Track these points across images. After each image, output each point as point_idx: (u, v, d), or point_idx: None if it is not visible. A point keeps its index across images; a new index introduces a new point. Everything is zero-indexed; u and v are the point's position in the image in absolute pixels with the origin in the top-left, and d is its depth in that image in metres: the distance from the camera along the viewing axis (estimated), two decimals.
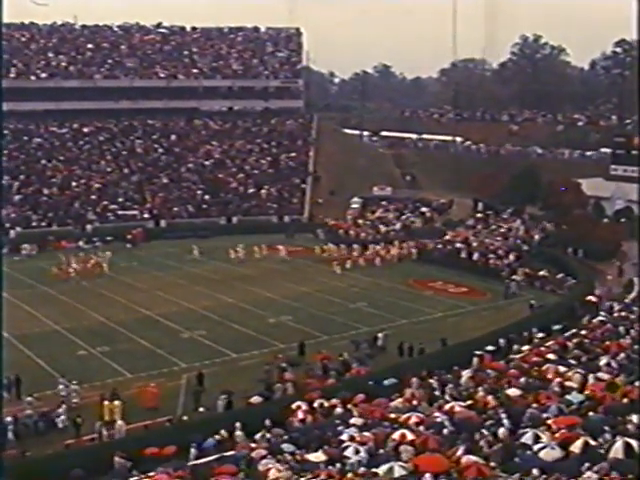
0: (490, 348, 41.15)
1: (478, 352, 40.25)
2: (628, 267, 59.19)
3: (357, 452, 24.47)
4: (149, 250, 71.90)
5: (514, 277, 59.17)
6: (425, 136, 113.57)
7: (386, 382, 36.30)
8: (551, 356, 36.41)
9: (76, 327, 48.81)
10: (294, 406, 32.95)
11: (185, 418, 33.87)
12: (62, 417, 34.07)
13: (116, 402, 34.84)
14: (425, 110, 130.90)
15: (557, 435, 23.58)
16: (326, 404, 33.10)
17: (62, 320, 50.32)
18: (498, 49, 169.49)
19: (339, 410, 32.24)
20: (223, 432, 30.50)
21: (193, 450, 29.22)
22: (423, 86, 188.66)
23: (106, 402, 34.89)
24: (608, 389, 29.08)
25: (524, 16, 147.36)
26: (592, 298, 49.88)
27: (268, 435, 29.27)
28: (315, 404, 33.22)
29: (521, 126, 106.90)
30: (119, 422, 33.27)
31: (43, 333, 47.93)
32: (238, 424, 31.03)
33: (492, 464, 21.74)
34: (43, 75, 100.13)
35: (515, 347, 41.34)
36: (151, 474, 25.62)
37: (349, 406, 32.43)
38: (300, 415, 31.95)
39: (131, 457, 28.73)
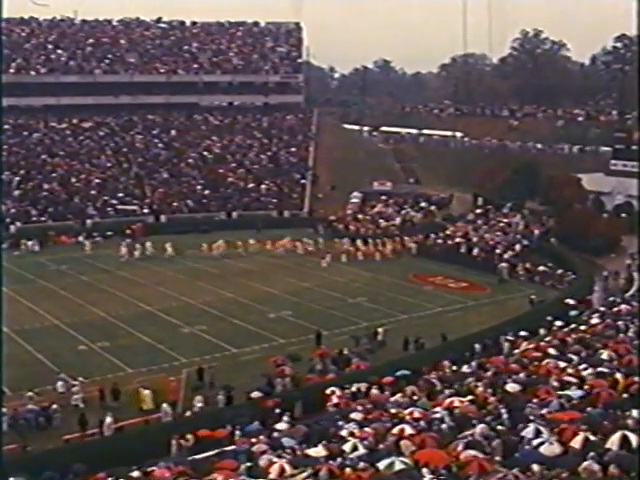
0: (523, 333, 42.04)
1: (510, 337, 41.03)
2: (628, 262, 59.13)
3: (355, 448, 24.48)
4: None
5: (503, 264, 60.48)
6: (425, 131, 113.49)
7: (398, 373, 36.55)
8: (551, 351, 36.41)
9: (76, 322, 48.83)
10: (328, 391, 33.64)
11: (188, 414, 34.01)
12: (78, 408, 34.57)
13: (146, 391, 35.30)
14: (425, 105, 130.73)
15: (557, 430, 23.59)
16: (363, 389, 34.13)
17: (62, 315, 50.33)
18: (498, 44, 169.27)
19: (375, 392, 33.58)
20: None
21: (238, 432, 29.70)
22: (423, 81, 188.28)
23: (141, 389, 35.53)
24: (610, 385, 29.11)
25: (524, 11, 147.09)
26: (569, 301, 49.03)
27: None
28: (353, 388, 34.35)
29: (521, 121, 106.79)
30: (164, 405, 34.09)
31: (43, 328, 47.94)
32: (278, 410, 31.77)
33: (493, 459, 21.73)
34: (43, 70, 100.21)
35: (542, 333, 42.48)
36: (152, 469, 25.60)
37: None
38: (334, 400, 32.66)
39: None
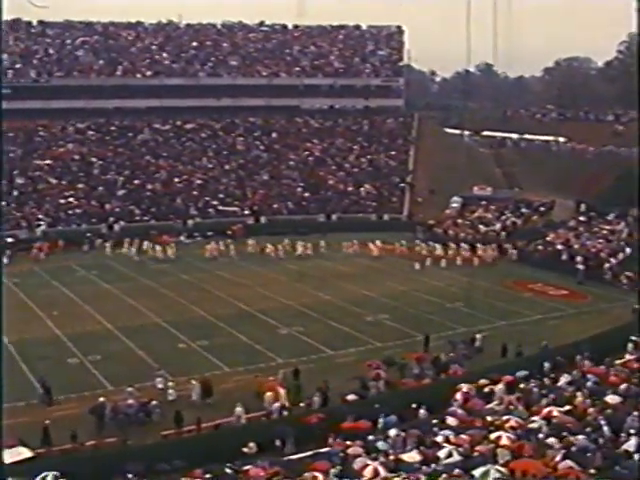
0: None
1: (634, 337, 40.24)
2: None
3: (450, 455, 24.29)
4: (249, 246, 72.22)
5: (580, 266, 61.05)
6: (527, 136, 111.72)
7: (519, 373, 36.57)
8: None
9: (177, 320, 49.70)
10: (458, 387, 34.10)
11: (285, 413, 34.27)
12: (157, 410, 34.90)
13: (282, 390, 35.63)
14: (527, 109, 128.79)
15: None
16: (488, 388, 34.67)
17: (163, 313, 51.32)
18: (604, 47, 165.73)
19: (500, 387, 34.18)
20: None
21: (381, 420, 30.68)
22: (526, 85, 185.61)
23: (278, 388, 35.98)
24: None
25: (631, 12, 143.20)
26: None
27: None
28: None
29: (626, 126, 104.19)
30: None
31: (144, 325, 48.96)
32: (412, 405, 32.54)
33: (591, 471, 21.30)
34: (148, 73, 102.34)
35: None
36: (247, 467, 25.87)
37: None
38: (459, 398, 33.03)
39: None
